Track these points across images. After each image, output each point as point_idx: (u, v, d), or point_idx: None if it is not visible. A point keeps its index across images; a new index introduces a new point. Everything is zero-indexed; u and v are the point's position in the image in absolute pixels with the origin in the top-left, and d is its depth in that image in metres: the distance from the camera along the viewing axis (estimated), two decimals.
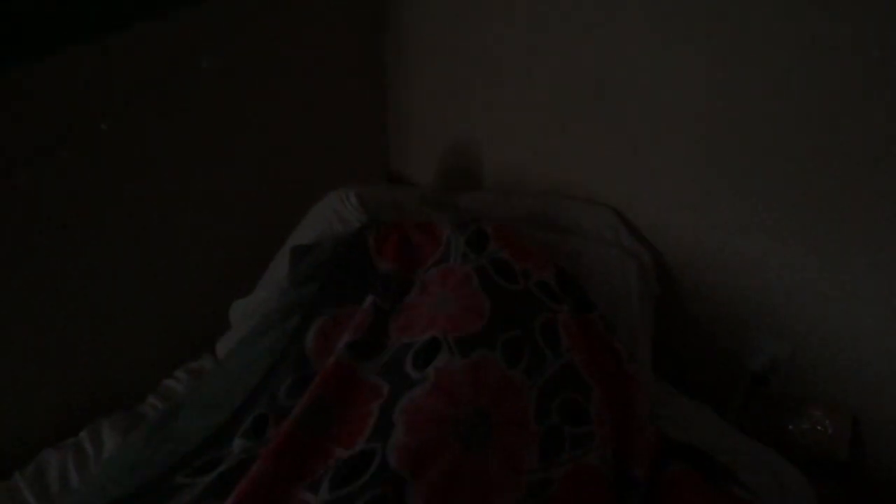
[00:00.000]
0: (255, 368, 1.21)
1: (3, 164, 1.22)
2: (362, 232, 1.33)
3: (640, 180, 1.45)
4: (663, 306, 1.45)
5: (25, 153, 1.24)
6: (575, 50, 1.41)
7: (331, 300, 1.26)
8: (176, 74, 1.41)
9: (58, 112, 1.26)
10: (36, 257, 1.32)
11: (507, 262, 1.26)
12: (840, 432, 1.26)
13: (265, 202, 1.61)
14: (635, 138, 1.41)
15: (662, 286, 1.45)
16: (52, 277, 1.35)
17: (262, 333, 1.27)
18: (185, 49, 1.41)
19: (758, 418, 1.33)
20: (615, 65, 1.36)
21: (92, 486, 1.14)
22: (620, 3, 1.30)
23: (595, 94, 1.42)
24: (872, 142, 1.12)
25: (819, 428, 1.27)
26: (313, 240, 1.39)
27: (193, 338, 1.58)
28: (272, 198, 1.62)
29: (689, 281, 1.46)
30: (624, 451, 1.11)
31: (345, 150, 1.84)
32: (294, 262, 1.36)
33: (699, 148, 1.33)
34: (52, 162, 1.27)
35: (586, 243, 1.42)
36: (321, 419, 1.07)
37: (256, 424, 1.12)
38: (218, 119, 1.52)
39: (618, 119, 1.41)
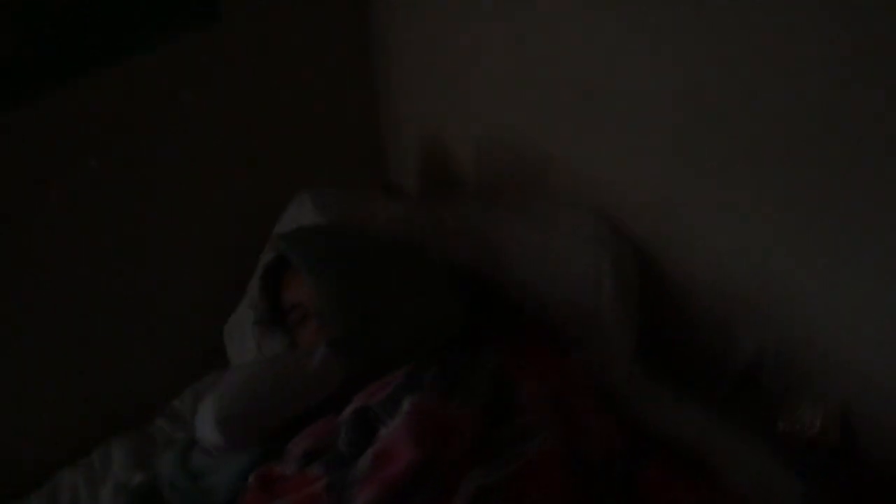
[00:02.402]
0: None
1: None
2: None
3: (623, 179, 1.43)
4: (646, 299, 1.42)
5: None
6: (561, 53, 1.40)
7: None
8: (158, 107, 1.47)
9: (46, 149, 1.34)
10: (40, 279, 1.42)
11: None
12: (829, 427, 1.21)
13: (260, 217, 1.64)
14: (617, 139, 1.39)
15: (644, 279, 1.42)
16: (54, 302, 1.44)
17: None
18: (166, 82, 1.47)
19: (744, 413, 1.29)
20: (600, 68, 1.35)
21: None
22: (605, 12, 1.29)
23: (580, 98, 1.40)
24: (856, 134, 1.08)
25: (807, 425, 1.23)
26: None
27: (198, 355, 1.65)
28: (268, 213, 1.64)
29: (671, 273, 1.43)
30: (575, 436, 1.07)
31: (340, 162, 1.87)
32: None
33: (678, 144, 1.30)
34: (42, 195, 1.35)
35: (557, 238, 1.38)
36: None
37: None
38: (207, 143, 1.57)
39: (601, 122, 1.40)
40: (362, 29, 1.77)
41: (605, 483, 1.07)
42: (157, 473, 1.25)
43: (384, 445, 0.99)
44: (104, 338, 1.54)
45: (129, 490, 1.27)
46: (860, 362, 1.24)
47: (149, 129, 1.47)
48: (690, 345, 1.45)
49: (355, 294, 1.15)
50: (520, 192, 1.61)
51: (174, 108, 1.49)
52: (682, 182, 1.35)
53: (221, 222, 1.67)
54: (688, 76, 1.23)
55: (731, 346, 1.37)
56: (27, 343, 1.44)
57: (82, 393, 1.53)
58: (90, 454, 1.47)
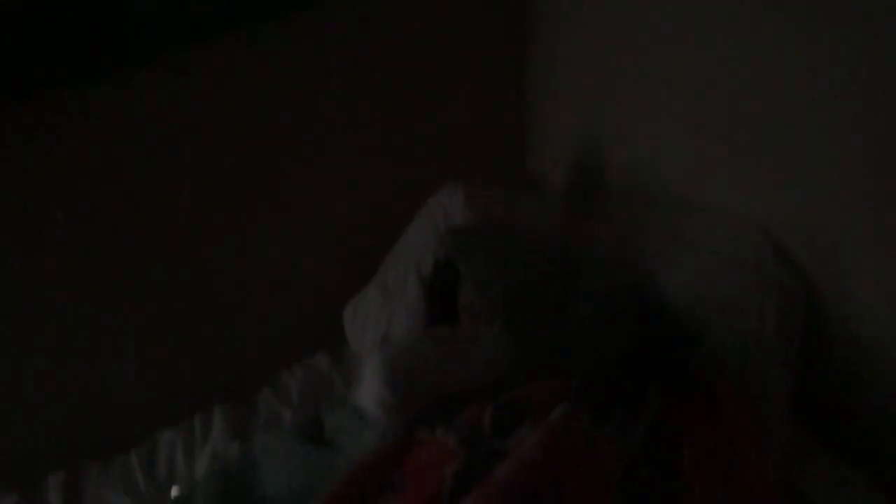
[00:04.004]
0: None
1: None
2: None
3: (791, 198, 1.25)
4: (811, 345, 1.23)
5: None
6: (719, 53, 1.27)
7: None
8: (302, 72, 1.44)
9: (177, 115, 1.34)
10: (164, 253, 1.42)
11: None
12: None
13: (389, 201, 1.60)
14: (786, 150, 1.23)
15: (812, 321, 1.23)
16: (175, 273, 1.44)
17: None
18: (310, 49, 1.43)
19: None
20: (764, 68, 1.20)
21: None
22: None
23: (741, 99, 1.25)
24: None
25: None
26: None
27: (311, 333, 1.60)
28: (397, 196, 1.59)
29: (845, 317, 1.23)
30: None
31: (481, 153, 1.78)
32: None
33: (861, 162, 1.13)
34: (170, 163, 1.36)
35: (712, 264, 1.24)
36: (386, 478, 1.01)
37: None
38: (347, 114, 1.53)
39: (761, 142, 1.25)
40: (518, 25, 1.69)
41: None
42: (251, 449, 1.21)
43: (518, 447, 0.95)
44: (222, 308, 1.53)
45: (220, 470, 1.22)
46: None
47: (295, 103, 1.45)
48: (860, 401, 1.24)
49: (518, 308, 1.18)
50: (671, 203, 1.45)
51: (323, 83, 1.46)
52: (858, 208, 1.16)
53: (353, 204, 1.62)
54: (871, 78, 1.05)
55: None
56: (149, 307, 1.45)
57: (193, 358, 1.52)
58: (192, 418, 1.45)
